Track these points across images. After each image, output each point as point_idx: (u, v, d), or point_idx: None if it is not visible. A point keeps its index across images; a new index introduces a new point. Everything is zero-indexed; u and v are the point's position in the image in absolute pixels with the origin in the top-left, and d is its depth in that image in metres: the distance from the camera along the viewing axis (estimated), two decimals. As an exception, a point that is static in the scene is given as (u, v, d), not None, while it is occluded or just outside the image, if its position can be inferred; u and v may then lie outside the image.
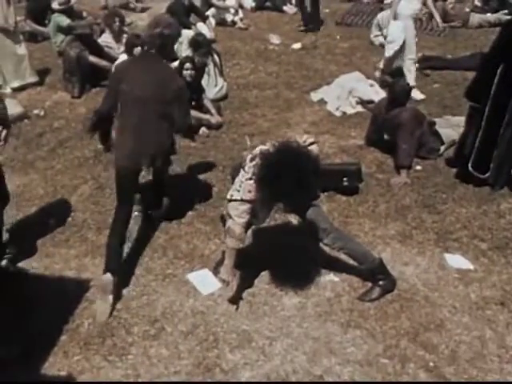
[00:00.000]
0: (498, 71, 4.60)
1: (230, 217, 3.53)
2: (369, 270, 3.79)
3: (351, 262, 3.84)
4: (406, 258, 4.14)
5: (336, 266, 3.97)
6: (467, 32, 9.24)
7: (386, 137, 5.43)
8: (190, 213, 4.72)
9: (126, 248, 4.29)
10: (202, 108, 6.21)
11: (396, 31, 6.69)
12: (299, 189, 3.22)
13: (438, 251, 4.21)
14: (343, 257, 3.86)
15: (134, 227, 4.55)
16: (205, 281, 3.96)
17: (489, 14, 9.53)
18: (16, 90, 7.33)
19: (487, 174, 4.86)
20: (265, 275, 3.96)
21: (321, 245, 3.85)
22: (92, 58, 7.23)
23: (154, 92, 3.86)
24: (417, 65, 7.63)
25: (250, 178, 3.41)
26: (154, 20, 4.25)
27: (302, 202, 3.54)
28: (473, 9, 9.97)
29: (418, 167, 5.30)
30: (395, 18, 6.74)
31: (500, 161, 4.82)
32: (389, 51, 6.84)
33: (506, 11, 9.48)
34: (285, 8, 11.06)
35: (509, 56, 4.58)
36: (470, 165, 4.91)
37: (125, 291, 3.86)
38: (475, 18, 9.45)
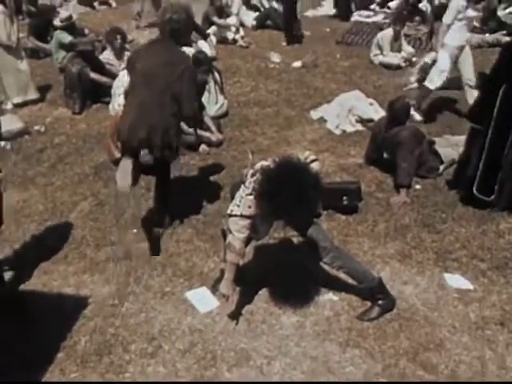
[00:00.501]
0: (500, 92, 4.60)
1: (230, 232, 3.53)
2: (368, 289, 3.78)
3: (350, 280, 3.83)
4: (405, 277, 4.13)
5: (335, 284, 3.96)
6: (466, 52, 9.29)
7: (385, 155, 5.45)
8: (189, 230, 4.71)
9: (124, 265, 4.30)
10: (202, 125, 6.22)
11: (445, 62, 6.48)
12: (300, 205, 3.22)
13: (438, 271, 4.20)
14: (342, 275, 3.85)
15: (132, 244, 4.56)
16: (203, 299, 3.95)
17: (487, 35, 9.60)
18: (17, 105, 7.37)
19: (492, 197, 4.83)
20: (263, 293, 3.95)
21: (320, 263, 3.84)
22: (93, 75, 7.28)
23: (161, 71, 4.07)
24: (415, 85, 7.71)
25: (251, 194, 3.41)
26: (164, 7, 4.37)
27: (303, 219, 3.54)
28: (471, 29, 10.03)
29: (418, 186, 5.30)
30: (442, 47, 6.50)
31: (502, 182, 4.80)
32: (436, 81, 6.60)
33: (504, 32, 9.55)
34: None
35: (510, 77, 4.59)
36: (474, 188, 4.86)
37: (123, 308, 3.85)
38: (474, 39, 9.49)
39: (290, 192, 3.16)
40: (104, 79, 7.27)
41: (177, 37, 4.23)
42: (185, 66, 4.13)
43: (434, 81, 6.57)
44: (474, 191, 4.87)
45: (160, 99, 4.09)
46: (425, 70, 7.21)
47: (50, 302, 3.91)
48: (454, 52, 6.43)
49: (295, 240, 4.37)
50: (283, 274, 4.10)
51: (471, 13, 6.38)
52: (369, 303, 3.78)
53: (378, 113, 6.53)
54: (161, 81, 4.07)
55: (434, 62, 6.74)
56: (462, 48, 6.48)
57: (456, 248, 4.47)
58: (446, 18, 6.42)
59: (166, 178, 4.66)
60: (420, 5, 11.31)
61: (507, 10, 11.01)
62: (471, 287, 4.03)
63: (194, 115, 4.37)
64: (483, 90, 4.93)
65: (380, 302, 3.74)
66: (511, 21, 10.01)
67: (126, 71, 6.48)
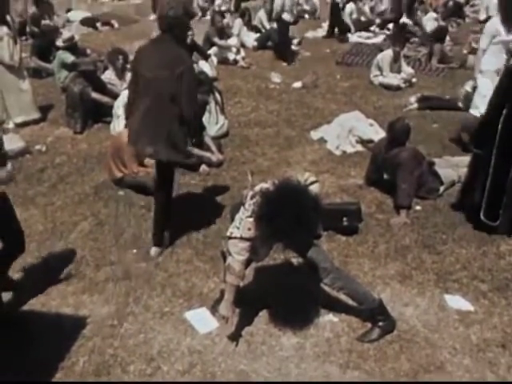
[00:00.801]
0: (501, 118, 4.61)
1: (230, 254, 3.52)
2: (368, 310, 3.76)
3: (351, 302, 3.81)
4: (405, 298, 4.11)
5: (335, 305, 3.94)
6: (465, 73, 9.35)
7: (385, 176, 5.46)
8: (189, 251, 4.71)
9: (124, 285, 4.28)
10: (202, 145, 6.25)
11: (486, 87, 6.32)
12: (299, 227, 3.22)
13: (438, 292, 4.19)
14: (343, 297, 3.83)
15: (132, 264, 4.55)
16: (202, 319, 3.93)
17: (486, 56, 9.67)
18: (19, 125, 7.41)
19: (498, 222, 4.80)
20: (263, 314, 3.93)
21: (320, 284, 3.83)
22: (95, 95, 7.33)
23: (160, 73, 4.11)
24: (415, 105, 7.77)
25: (250, 216, 3.41)
26: (162, 3, 4.43)
27: (303, 241, 3.53)
28: (470, 51, 10.13)
29: (418, 207, 5.30)
30: (481, 73, 6.50)
31: (506, 206, 4.77)
32: (481, 108, 6.24)
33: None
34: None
35: (511, 101, 4.59)
36: (481, 214, 4.84)
37: (122, 329, 3.83)
38: (473, 60, 9.59)
39: (290, 215, 3.16)
40: (105, 99, 7.32)
41: (176, 34, 4.24)
42: (183, 67, 4.13)
43: (479, 107, 6.45)
44: (481, 217, 4.84)
45: (161, 102, 4.14)
46: (468, 98, 7.17)
47: (48, 322, 3.88)
48: (494, 76, 6.28)
49: (295, 261, 4.36)
50: (283, 295, 4.09)
51: (507, 36, 6.28)
52: (369, 324, 3.76)
53: (378, 133, 6.56)
54: (160, 83, 4.12)
55: (475, 88, 6.72)
56: (500, 71, 6.48)
57: (456, 269, 4.46)
58: (482, 42, 6.42)
59: (167, 187, 4.63)
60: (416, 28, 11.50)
61: None
62: (472, 309, 4.01)
63: (195, 117, 4.38)
64: (485, 115, 4.92)
65: (380, 323, 3.72)
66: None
67: (127, 90, 6.57)
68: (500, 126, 4.62)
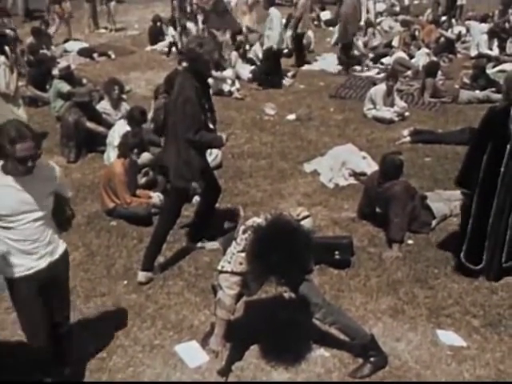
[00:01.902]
0: (484, 157, 4.50)
1: (221, 288, 3.51)
2: (360, 345, 3.73)
3: (342, 336, 3.78)
4: (397, 333, 4.09)
5: (327, 340, 3.91)
6: (457, 107, 9.46)
7: (378, 210, 5.46)
8: (180, 283, 4.68)
9: (114, 317, 4.24)
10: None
11: None
12: (291, 264, 3.22)
13: (431, 327, 4.17)
14: (334, 331, 3.81)
15: (122, 296, 4.51)
16: (192, 353, 3.89)
17: (477, 91, 9.80)
18: (13, 153, 7.39)
19: (480, 266, 4.70)
20: (254, 348, 3.89)
21: (312, 319, 3.80)
22: (89, 124, 7.35)
23: (171, 106, 4.61)
24: (408, 139, 7.82)
25: (242, 251, 3.40)
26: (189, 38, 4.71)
27: (295, 277, 3.51)
28: (462, 86, 10.27)
29: (410, 241, 5.30)
30: None
31: (492, 253, 4.67)
32: None
33: (493, 89, 9.77)
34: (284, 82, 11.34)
35: (493, 142, 4.49)
36: (462, 255, 4.76)
37: (110, 362, 3.78)
38: (464, 95, 9.71)
39: (282, 252, 3.17)
40: (100, 129, 7.34)
41: (197, 66, 4.53)
42: (181, 99, 4.44)
43: None
44: (462, 258, 4.77)
45: (171, 134, 4.61)
46: None
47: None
48: None
49: (286, 295, 4.32)
50: (274, 329, 4.05)
51: None
52: (361, 360, 3.73)
53: (370, 167, 6.58)
54: (171, 116, 4.61)
55: None
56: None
57: (449, 304, 4.44)
58: None
59: (166, 207, 5.05)
60: (412, 60, 11.66)
61: (495, 69, 11.31)
62: (464, 344, 3.99)
63: (191, 139, 4.48)
64: (467, 155, 4.77)
65: (372, 358, 3.69)
66: (499, 79, 10.23)
67: (122, 121, 6.61)
68: (483, 165, 4.53)
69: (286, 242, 3.20)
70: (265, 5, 11.21)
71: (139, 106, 7.10)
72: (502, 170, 4.47)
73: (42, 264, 3.19)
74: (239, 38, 13.02)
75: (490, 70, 10.94)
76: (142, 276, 4.69)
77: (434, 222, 5.53)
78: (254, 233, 3.33)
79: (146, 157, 6.21)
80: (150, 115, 7.42)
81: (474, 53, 12.55)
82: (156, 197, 5.83)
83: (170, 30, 13.56)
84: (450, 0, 15.61)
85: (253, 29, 13.16)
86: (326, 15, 17.07)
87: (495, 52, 12.44)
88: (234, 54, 11.47)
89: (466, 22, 14.54)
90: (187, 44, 4.71)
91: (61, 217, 3.32)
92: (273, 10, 10.86)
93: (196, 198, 6.05)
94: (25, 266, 3.13)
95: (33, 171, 3.00)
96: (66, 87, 8.47)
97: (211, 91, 9.80)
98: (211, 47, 4.59)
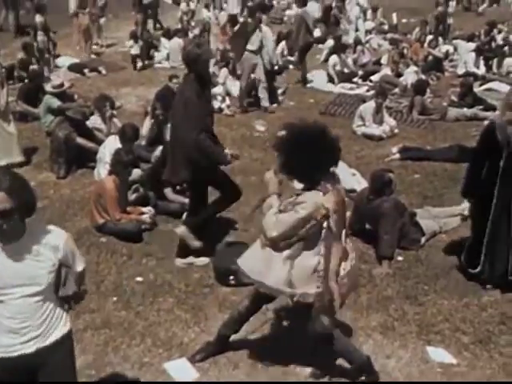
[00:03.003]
0: (484, 170, 4.74)
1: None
2: (357, 366, 3.69)
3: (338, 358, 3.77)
4: (388, 350, 4.09)
5: (319, 359, 3.88)
6: (445, 124, 9.55)
7: (367, 226, 5.49)
8: (170, 299, 4.66)
9: (103, 334, 4.21)
10: (185, 193, 6.25)
11: None
12: (316, 163, 3.37)
13: (421, 344, 4.18)
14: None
15: (112, 313, 4.49)
16: (182, 370, 3.87)
17: (465, 109, 9.92)
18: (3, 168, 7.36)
19: (477, 270, 4.84)
20: (244, 366, 3.87)
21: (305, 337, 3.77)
22: (80, 140, 7.34)
23: (173, 110, 4.87)
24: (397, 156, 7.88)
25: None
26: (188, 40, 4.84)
27: (316, 175, 3.46)
28: (450, 103, 10.38)
29: (400, 258, 5.32)
30: None
31: (491, 259, 4.80)
32: None
33: (481, 107, 9.89)
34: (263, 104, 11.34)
35: (491, 156, 4.71)
36: (462, 257, 5.00)
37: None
38: (452, 112, 9.81)
39: (308, 153, 3.33)
40: (90, 144, 7.33)
41: (197, 69, 4.68)
42: (182, 100, 4.67)
43: None
44: (462, 260, 4.97)
45: (174, 139, 4.86)
46: None
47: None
48: None
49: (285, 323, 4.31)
50: (265, 347, 4.04)
51: None
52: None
53: (360, 184, 6.60)
54: (173, 121, 4.90)
55: None
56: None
57: (439, 321, 4.46)
58: None
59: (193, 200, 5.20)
60: (401, 78, 11.78)
61: (482, 87, 11.46)
62: (454, 361, 4.01)
63: (195, 139, 4.62)
64: (468, 168, 5.05)
65: (364, 378, 3.67)
66: (487, 97, 10.38)
67: (113, 137, 6.61)
68: (483, 177, 4.75)
69: (312, 144, 3.34)
70: (256, 23, 11.29)
71: (131, 123, 7.08)
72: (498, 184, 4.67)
73: (29, 349, 2.63)
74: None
75: (477, 89, 11.09)
76: (178, 261, 5.11)
77: (423, 239, 5.56)
78: (287, 130, 3.48)
79: (136, 173, 6.21)
80: (142, 131, 7.42)
81: (461, 71, 12.71)
82: (147, 213, 5.81)
83: (131, 43, 13.57)
84: (438, 19, 15.82)
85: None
86: (315, 32, 17.21)
87: (482, 70, 12.61)
88: (224, 70, 11.52)
89: (454, 41, 14.75)
90: (185, 47, 4.91)
91: (68, 293, 2.77)
92: (265, 28, 10.96)
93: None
94: (7, 346, 2.61)
95: (20, 235, 2.56)
96: (56, 102, 8.44)
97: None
98: (208, 47, 4.70)
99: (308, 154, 3.33)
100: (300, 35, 11.95)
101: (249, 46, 10.27)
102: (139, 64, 13.10)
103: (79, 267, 2.91)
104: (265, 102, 10.48)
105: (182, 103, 4.68)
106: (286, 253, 3.40)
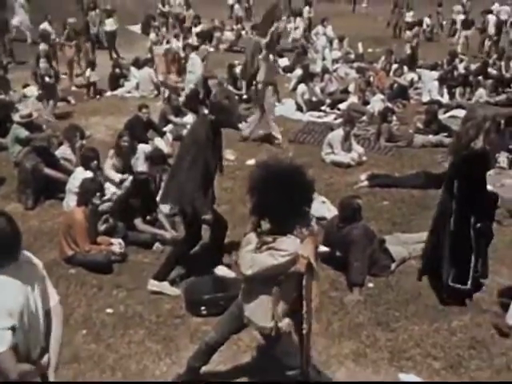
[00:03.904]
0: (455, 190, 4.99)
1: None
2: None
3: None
4: (361, 377, 4.11)
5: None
6: (412, 151, 9.71)
7: (338, 254, 5.53)
8: (141, 331, 4.60)
9: (72, 368, 4.12)
10: (155, 223, 6.24)
11: None
12: (288, 206, 3.27)
13: (393, 370, 4.21)
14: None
15: (81, 346, 4.41)
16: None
17: (431, 136, 10.12)
18: (-32, 199, 7.24)
19: (469, 284, 5.01)
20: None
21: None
22: (47, 170, 7.26)
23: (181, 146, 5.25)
24: (366, 183, 7.99)
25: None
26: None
27: (288, 220, 3.40)
28: (416, 130, 10.59)
29: (371, 285, 5.36)
30: None
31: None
32: None
33: (445, 134, 10.12)
34: (240, 126, 11.46)
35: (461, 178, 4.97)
36: (450, 280, 5.04)
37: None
38: (419, 139, 10.01)
39: (281, 194, 3.25)
40: (59, 175, 7.25)
41: (216, 115, 5.05)
42: (191, 137, 5.05)
43: None
44: (450, 283, 5.02)
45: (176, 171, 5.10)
46: None
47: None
48: None
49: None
50: (238, 377, 4.02)
51: None
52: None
53: (330, 211, 6.64)
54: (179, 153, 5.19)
55: None
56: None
57: (410, 346, 4.50)
58: None
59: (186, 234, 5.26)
60: (368, 106, 12.00)
61: (447, 114, 11.75)
62: (426, 387, 4.03)
63: (188, 196, 4.89)
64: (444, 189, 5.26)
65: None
66: (451, 124, 10.64)
67: (81, 168, 6.57)
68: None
69: (287, 185, 3.28)
70: (187, 50, 11.98)
71: (90, 146, 7.28)
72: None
73: None
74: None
75: (441, 116, 11.34)
76: (151, 284, 5.09)
77: (393, 265, 5.62)
78: (260, 168, 3.43)
79: (106, 204, 6.17)
80: (111, 161, 7.38)
81: (425, 99, 13.00)
82: (117, 244, 5.76)
83: (89, 71, 13.59)
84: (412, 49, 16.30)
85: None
86: (283, 62, 17.48)
87: (445, 98, 12.94)
88: (195, 99, 11.60)
89: (418, 70, 15.10)
90: (215, 95, 5.14)
91: None
92: (194, 55, 11.23)
93: (157, 245, 6.02)
94: None
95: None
96: (24, 132, 8.37)
97: (171, 137, 9.93)
98: (235, 101, 4.93)
99: (283, 195, 3.26)
100: (254, 61, 12.15)
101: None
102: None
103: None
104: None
105: (191, 140, 4.99)
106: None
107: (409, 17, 22.82)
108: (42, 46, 11.60)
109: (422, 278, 5.42)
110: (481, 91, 13.13)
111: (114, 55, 16.84)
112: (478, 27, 20.33)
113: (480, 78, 13.68)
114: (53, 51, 13.71)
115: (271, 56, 10.06)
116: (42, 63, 11.41)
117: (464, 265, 4.96)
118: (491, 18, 19.84)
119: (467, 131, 4.93)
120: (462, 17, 21.71)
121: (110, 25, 16.37)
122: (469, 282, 4.97)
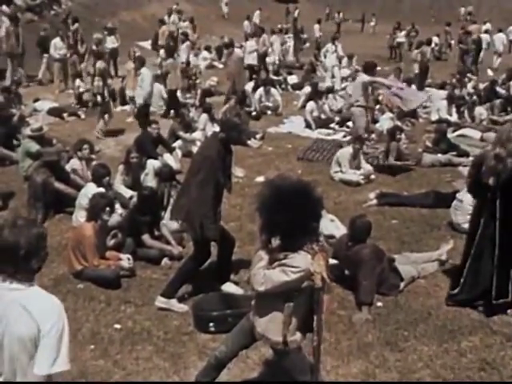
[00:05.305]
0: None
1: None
2: None
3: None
4: (369, 398, 4.07)
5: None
6: (421, 170, 9.69)
7: (347, 273, 5.51)
8: (149, 347, 4.59)
9: (80, 384, 4.11)
10: (161, 239, 6.25)
11: None
12: (297, 224, 3.29)
13: (402, 392, 4.16)
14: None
15: (89, 362, 4.39)
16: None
17: (439, 155, 10.12)
18: (-22, 213, 7.27)
19: (455, 291, 5.17)
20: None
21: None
22: (58, 185, 7.30)
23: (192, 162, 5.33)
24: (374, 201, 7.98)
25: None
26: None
27: (297, 238, 3.41)
28: (425, 149, 10.58)
29: (379, 304, 5.33)
30: None
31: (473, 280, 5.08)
32: None
33: (454, 153, 10.11)
34: (249, 142, 11.50)
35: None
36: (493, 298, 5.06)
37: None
38: (427, 158, 9.99)
39: (290, 212, 3.27)
40: (69, 190, 7.29)
41: (227, 133, 5.11)
42: (202, 155, 5.09)
43: None
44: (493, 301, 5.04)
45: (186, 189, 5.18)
46: None
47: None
48: None
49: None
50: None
51: None
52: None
53: (339, 229, 6.63)
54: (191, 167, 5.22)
55: None
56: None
57: (419, 367, 4.46)
58: None
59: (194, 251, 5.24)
60: (377, 125, 12.02)
61: (455, 133, 11.74)
62: (435, 409, 3.99)
63: (202, 193, 4.91)
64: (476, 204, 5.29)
65: None
66: (460, 143, 10.63)
67: (93, 184, 6.60)
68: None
69: (296, 202, 3.29)
70: (136, 66, 11.79)
71: (100, 163, 7.33)
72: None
73: None
74: (208, 100, 13.26)
75: (450, 135, 11.34)
76: (159, 301, 5.07)
77: (402, 284, 5.59)
78: (269, 186, 3.45)
79: (114, 219, 6.18)
80: (121, 177, 7.44)
81: (434, 117, 13.01)
82: (125, 259, 5.76)
83: (78, 82, 13.75)
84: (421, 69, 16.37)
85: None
86: (292, 79, 17.58)
87: (454, 117, 12.95)
88: (204, 116, 11.63)
89: (426, 89, 15.14)
90: (226, 113, 5.20)
91: None
92: (144, 70, 11.29)
93: (165, 261, 6.02)
94: None
95: None
96: (34, 147, 8.43)
97: (180, 153, 9.99)
98: (246, 119, 5.00)
99: (292, 212, 3.29)
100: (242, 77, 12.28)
101: None
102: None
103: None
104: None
105: (202, 157, 5.06)
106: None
107: (400, 37, 22.99)
108: (99, 64, 11.59)
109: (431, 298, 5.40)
110: (480, 109, 13.11)
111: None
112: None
113: (475, 97, 13.75)
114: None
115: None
116: (96, 81, 11.41)
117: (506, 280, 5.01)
118: (501, 37, 19.94)
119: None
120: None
121: (111, 42, 16.52)
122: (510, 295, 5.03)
